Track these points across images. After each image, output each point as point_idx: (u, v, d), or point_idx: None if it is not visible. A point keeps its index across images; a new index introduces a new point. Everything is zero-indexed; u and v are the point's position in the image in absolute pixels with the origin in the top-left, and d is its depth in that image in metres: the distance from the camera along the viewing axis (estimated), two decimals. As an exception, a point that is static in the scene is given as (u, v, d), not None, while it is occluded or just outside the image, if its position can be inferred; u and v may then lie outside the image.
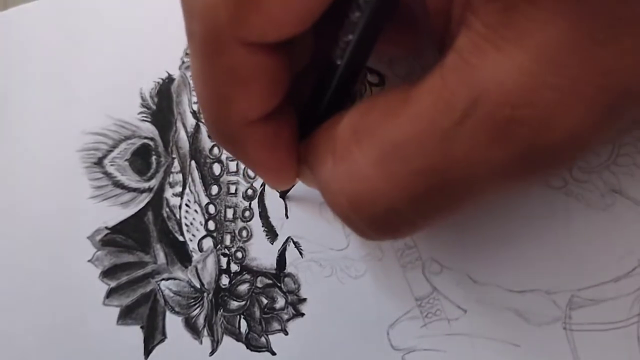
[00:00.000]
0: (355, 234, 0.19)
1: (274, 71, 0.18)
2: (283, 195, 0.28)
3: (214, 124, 0.19)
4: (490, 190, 0.16)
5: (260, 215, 0.28)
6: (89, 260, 0.31)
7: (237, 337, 0.28)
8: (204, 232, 0.29)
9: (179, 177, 0.30)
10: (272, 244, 0.28)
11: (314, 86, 0.21)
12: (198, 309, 0.29)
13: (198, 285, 0.29)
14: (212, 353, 0.29)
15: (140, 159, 0.31)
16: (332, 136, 0.18)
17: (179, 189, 0.30)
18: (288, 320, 0.27)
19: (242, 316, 0.28)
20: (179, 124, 0.30)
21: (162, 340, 0.30)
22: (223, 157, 0.29)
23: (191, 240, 0.30)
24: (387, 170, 0.16)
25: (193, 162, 0.30)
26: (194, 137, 0.30)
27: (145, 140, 0.31)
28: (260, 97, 0.18)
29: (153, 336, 0.30)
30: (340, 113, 0.19)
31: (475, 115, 0.14)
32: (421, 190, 0.16)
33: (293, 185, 0.26)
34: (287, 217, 0.28)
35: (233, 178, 0.29)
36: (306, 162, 0.20)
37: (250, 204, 0.29)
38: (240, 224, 0.29)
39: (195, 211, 0.30)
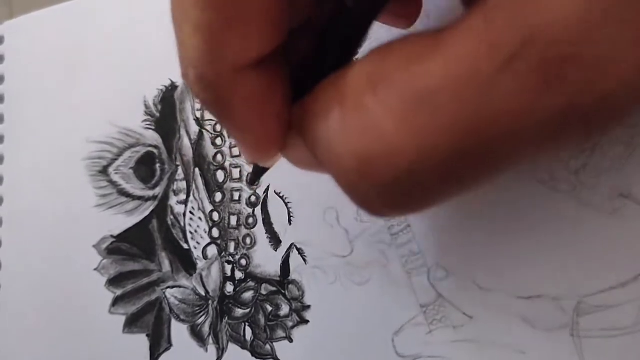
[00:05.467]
0: (361, 211, 0.17)
1: (274, 3, 0.16)
2: (255, 177, 0.26)
3: (197, 66, 0.16)
4: (532, 151, 0.14)
5: (263, 222, 0.28)
6: (95, 269, 0.31)
7: (242, 344, 0.28)
8: (208, 240, 0.29)
9: (183, 184, 0.30)
10: (276, 250, 0.28)
11: (316, 43, 0.18)
12: (203, 317, 0.29)
13: (203, 293, 0.29)
14: (217, 361, 0.29)
15: (145, 167, 0.31)
16: (339, 87, 0.15)
17: (183, 196, 0.30)
18: (292, 327, 0.27)
19: (247, 324, 0.28)
20: (183, 132, 0.30)
21: (167, 349, 0.30)
22: (227, 164, 0.29)
23: (195, 248, 0.30)
24: (411, 124, 0.14)
25: (197, 170, 0.30)
26: (197, 144, 0.30)
27: (150, 148, 0.31)
28: (256, 33, 0.16)
29: (159, 344, 0.30)
30: (347, 66, 0.16)
31: (524, 57, 0.12)
32: (451, 150, 0.13)
33: (267, 169, 0.23)
34: (290, 223, 0.28)
35: (236, 185, 0.29)
36: (300, 127, 0.17)
37: (253, 210, 0.29)
38: (244, 231, 0.29)
39: (200, 219, 0.30)
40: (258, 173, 0.25)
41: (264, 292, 0.28)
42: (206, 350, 0.29)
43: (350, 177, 0.15)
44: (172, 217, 0.30)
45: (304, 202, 0.28)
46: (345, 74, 0.15)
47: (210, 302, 0.29)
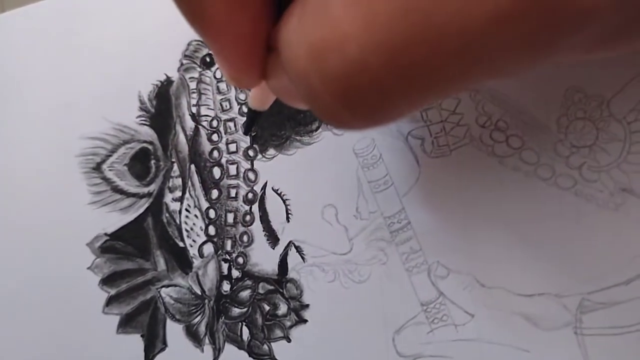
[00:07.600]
0: (318, 115, 0.15)
1: None
2: (250, 122, 0.25)
3: None
4: (487, 47, 0.12)
5: (261, 220, 0.28)
6: (88, 268, 0.31)
7: (239, 344, 0.28)
8: (204, 238, 0.29)
9: (179, 181, 0.30)
10: (274, 248, 0.28)
11: None
12: (199, 317, 0.29)
13: (199, 292, 0.29)
14: (213, 361, 0.28)
15: (139, 164, 0.31)
16: None
17: (178, 193, 0.30)
18: (291, 327, 0.27)
19: (243, 323, 0.28)
20: (178, 127, 0.30)
21: (162, 349, 0.29)
22: (223, 161, 0.29)
23: (191, 246, 0.29)
24: (362, 11, 0.12)
25: (193, 166, 0.29)
26: (193, 140, 0.30)
27: (144, 145, 0.31)
28: None
29: (154, 345, 0.29)
30: None
31: None
32: (404, 36, 0.12)
33: (260, 114, 0.22)
34: (288, 220, 0.27)
35: (233, 182, 0.29)
36: (274, 42, 0.16)
37: (250, 207, 0.28)
38: (241, 228, 0.28)
39: (196, 216, 0.29)
40: (251, 117, 0.24)
41: (261, 290, 0.28)
42: (202, 351, 0.28)
43: (301, 66, 0.14)
44: (167, 214, 0.30)
45: (302, 199, 0.27)
46: None
47: (206, 301, 0.29)
